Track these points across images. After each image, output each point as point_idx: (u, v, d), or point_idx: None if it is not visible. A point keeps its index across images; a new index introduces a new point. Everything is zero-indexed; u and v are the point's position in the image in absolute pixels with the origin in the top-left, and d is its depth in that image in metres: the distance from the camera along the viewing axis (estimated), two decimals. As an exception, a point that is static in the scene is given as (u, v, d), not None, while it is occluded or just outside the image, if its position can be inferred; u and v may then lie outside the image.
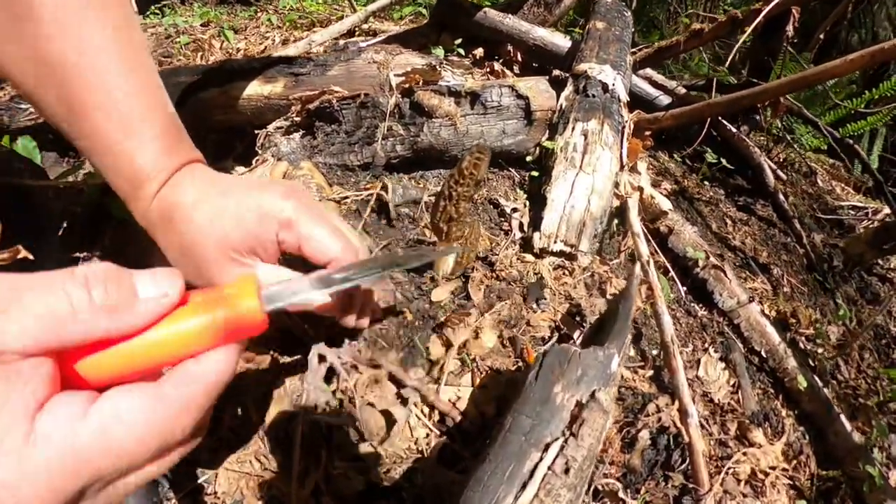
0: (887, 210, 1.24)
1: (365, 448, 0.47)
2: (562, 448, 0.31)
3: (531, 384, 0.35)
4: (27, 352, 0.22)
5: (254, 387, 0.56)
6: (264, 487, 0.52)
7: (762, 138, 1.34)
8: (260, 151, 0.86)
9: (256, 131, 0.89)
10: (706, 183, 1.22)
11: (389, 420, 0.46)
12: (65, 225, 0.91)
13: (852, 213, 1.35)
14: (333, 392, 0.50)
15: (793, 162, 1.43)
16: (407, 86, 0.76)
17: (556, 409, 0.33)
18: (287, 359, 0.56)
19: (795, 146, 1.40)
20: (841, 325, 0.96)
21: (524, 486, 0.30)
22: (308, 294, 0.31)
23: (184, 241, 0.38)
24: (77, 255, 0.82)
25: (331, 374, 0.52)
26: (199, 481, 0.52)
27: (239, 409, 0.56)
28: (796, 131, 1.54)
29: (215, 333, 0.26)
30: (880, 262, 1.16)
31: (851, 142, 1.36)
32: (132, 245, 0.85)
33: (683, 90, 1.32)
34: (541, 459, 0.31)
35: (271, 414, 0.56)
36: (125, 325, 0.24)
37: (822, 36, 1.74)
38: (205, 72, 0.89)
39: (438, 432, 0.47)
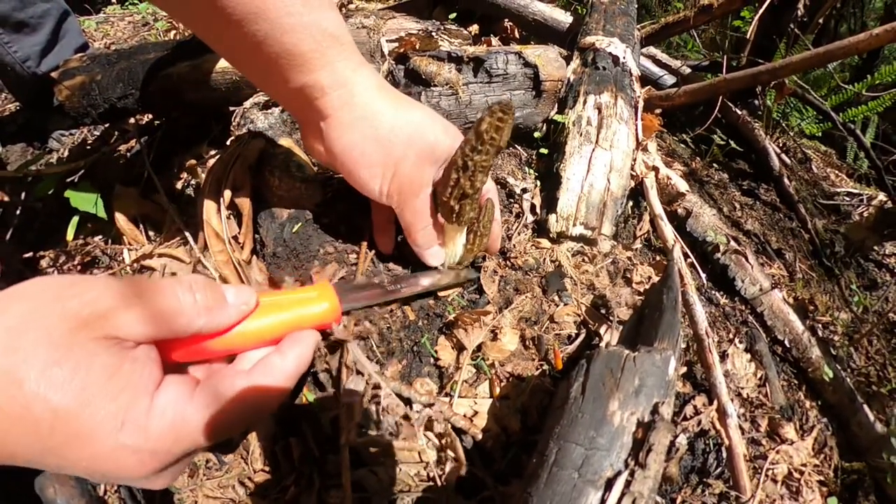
0: (882, 196, 1.23)
1: (364, 474, 0.39)
2: (628, 483, 0.24)
3: (576, 401, 0.28)
4: (141, 340, 0.28)
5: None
6: (248, 518, 0.44)
7: (759, 124, 1.31)
8: (235, 130, 0.76)
9: (232, 109, 0.79)
10: (713, 166, 1.18)
11: (397, 450, 0.38)
12: (16, 221, 0.81)
13: (847, 199, 1.34)
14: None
15: (788, 149, 1.41)
16: (402, 50, 0.66)
17: (616, 433, 0.26)
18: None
19: (791, 133, 1.38)
20: (848, 311, 0.94)
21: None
22: (377, 298, 0.45)
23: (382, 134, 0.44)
24: (34, 254, 0.72)
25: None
26: (177, 510, 0.45)
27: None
28: (791, 118, 1.52)
29: (300, 325, 0.36)
30: (876, 248, 1.15)
31: (854, 126, 1.34)
32: (100, 237, 0.75)
33: (688, 70, 1.27)
34: (603, 502, 0.23)
35: (255, 433, 0.48)
36: (216, 323, 0.32)
37: (820, 21, 1.71)
38: (174, 46, 0.78)
39: (453, 454, 0.40)
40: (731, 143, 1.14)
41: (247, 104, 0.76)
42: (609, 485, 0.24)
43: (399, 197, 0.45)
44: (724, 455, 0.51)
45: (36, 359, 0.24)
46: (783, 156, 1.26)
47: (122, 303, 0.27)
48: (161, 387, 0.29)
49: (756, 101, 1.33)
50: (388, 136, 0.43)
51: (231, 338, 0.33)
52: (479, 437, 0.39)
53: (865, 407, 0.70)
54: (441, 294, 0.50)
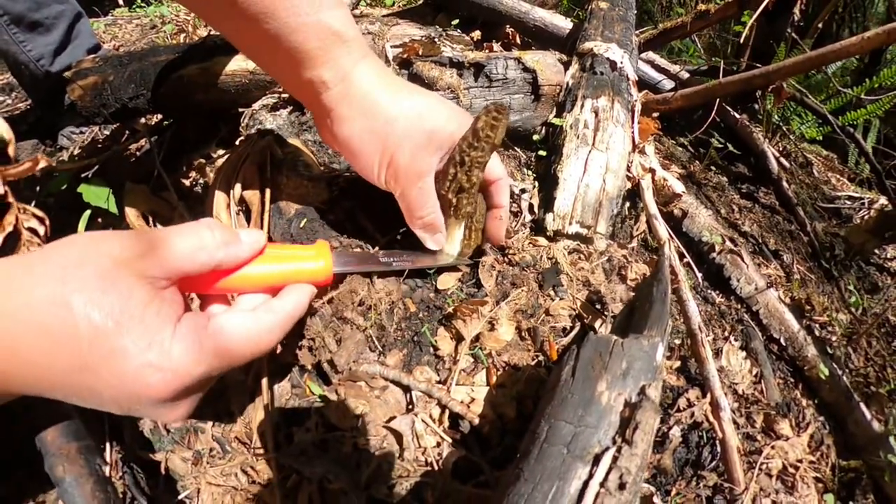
0: (883, 200, 1.23)
1: (365, 459, 0.41)
2: (615, 459, 0.25)
3: (566, 383, 0.30)
4: (171, 276, 0.34)
5: (239, 391, 0.49)
6: (251, 503, 0.46)
7: (759, 128, 1.32)
8: (244, 131, 0.79)
9: (241, 110, 0.81)
10: (712, 169, 1.19)
11: (396, 436, 0.40)
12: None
13: (849, 203, 1.34)
14: (323, 407, 0.44)
15: (789, 153, 1.42)
16: (405, 56, 0.69)
17: (604, 412, 0.27)
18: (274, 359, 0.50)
19: (791, 137, 1.39)
20: (848, 313, 0.94)
21: (572, 508, 0.25)
22: (368, 267, 0.49)
23: (380, 123, 0.46)
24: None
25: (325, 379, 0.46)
26: (181, 497, 0.46)
27: (223, 417, 0.50)
28: (792, 122, 1.54)
29: (297, 277, 0.41)
30: (877, 251, 1.15)
31: (854, 130, 1.34)
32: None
33: (687, 74, 1.29)
34: (590, 476, 0.25)
35: (258, 421, 0.50)
36: (234, 256, 0.37)
37: (820, 25, 1.72)
38: (185, 49, 0.81)
39: (450, 440, 0.41)
40: (729, 146, 1.16)
41: (255, 106, 0.78)
42: (597, 460, 0.25)
43: (397, 184, 0.48)
44: (719, 448, 0.52)
45: (86, 288, 0.30)
46: (782, 159, 1.28)
47: (154, 246, 0.33)
48: (182, 319, 0.34)
49: (756, 106, 1.34)
50: (384, 127, 0.46)
51: (239, 277, 0.38)
52: (476, 422, 0.41)
53: (862, 405, 0.70)
54: (441, 287, 0.52)
